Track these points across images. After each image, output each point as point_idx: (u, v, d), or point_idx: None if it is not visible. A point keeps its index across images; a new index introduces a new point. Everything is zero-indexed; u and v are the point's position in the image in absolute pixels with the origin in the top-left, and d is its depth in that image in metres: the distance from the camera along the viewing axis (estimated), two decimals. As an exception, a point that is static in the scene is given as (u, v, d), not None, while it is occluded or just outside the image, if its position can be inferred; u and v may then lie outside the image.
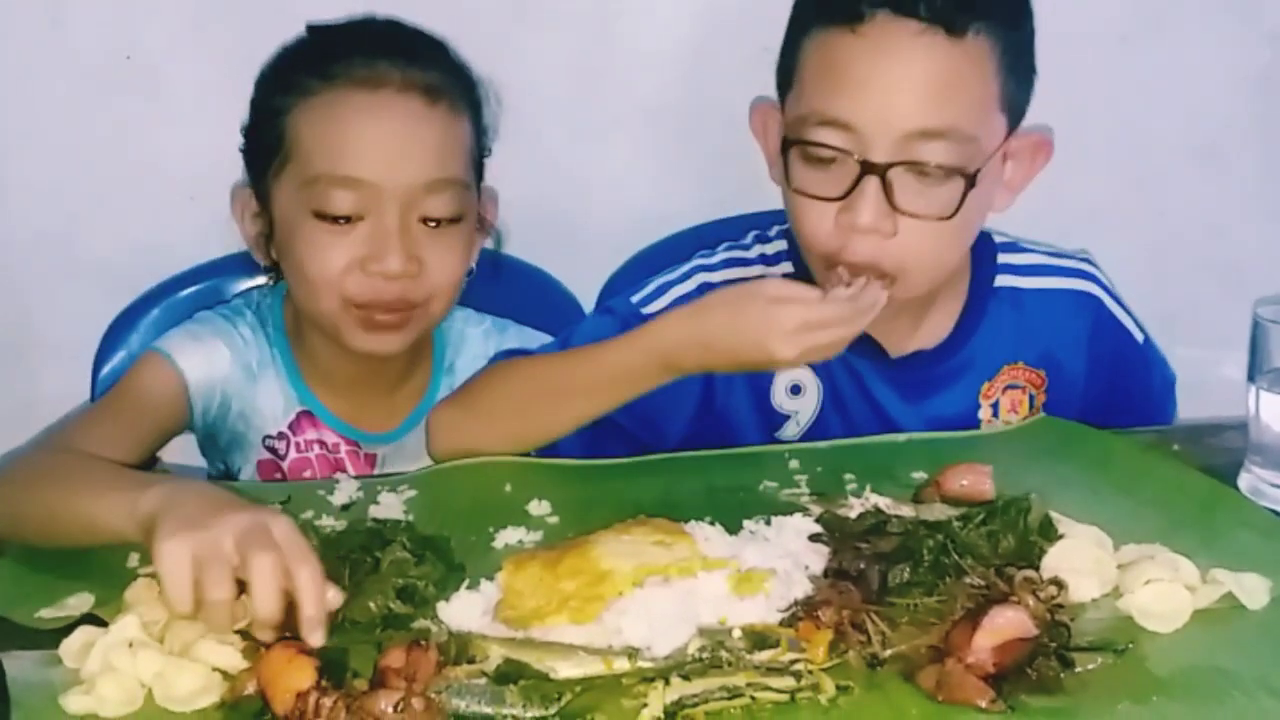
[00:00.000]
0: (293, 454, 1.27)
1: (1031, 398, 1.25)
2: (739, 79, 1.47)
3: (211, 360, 1.24)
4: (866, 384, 1.23)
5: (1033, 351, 1.25)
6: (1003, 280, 1.26)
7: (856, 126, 1.08)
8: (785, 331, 1.02)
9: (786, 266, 1.25)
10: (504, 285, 1.38)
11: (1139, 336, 1.30)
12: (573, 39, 1.45)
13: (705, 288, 1.22)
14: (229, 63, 1.40)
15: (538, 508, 1.04)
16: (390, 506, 1.04)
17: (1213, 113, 1.57)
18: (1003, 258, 1.27)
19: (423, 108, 1.18)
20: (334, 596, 0.85)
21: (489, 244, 1.33)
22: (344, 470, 1.27)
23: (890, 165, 1.08)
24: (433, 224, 1.19)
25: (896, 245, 1.10)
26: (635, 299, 1.24)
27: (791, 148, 1.12)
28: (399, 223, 1.16)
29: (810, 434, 1.24)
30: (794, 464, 1.11)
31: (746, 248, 1.28)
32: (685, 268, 1.26)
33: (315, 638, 0.82)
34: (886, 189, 1.08)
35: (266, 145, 1.21)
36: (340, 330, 1.20)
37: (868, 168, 1.08)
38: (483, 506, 1.04)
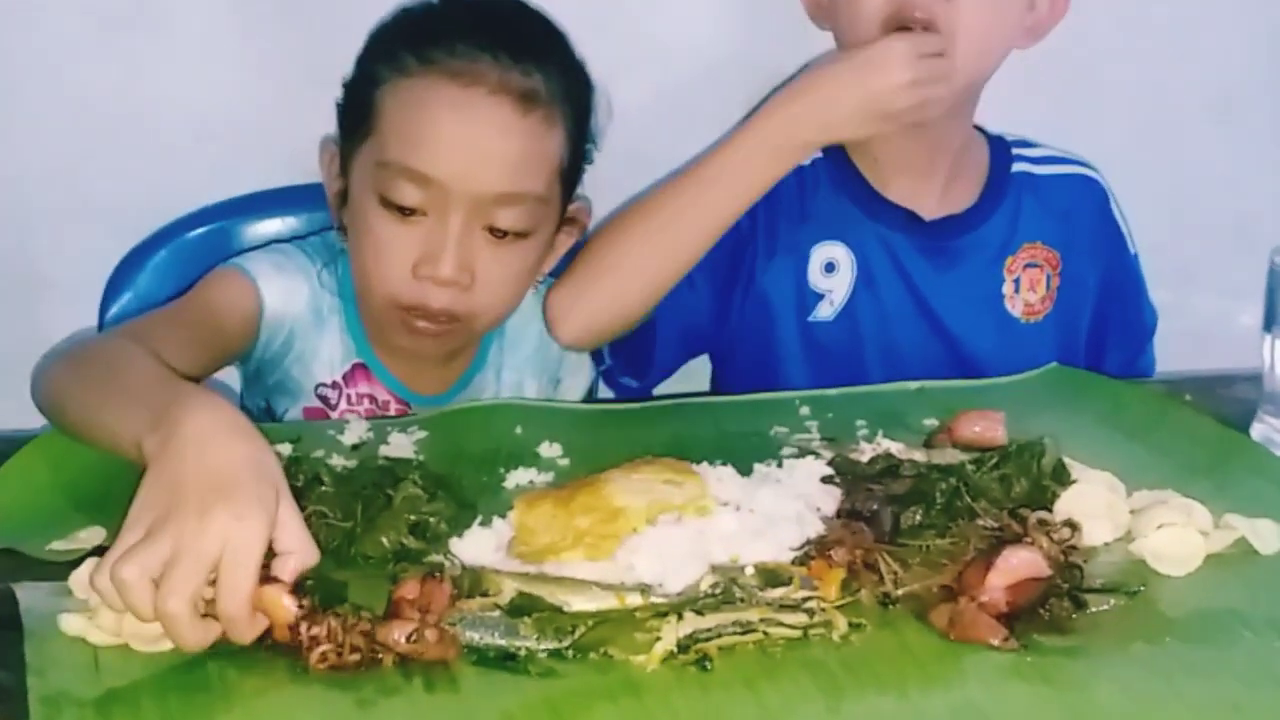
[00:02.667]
0: (343, 405, 1.24)
1: (1049, 277, 1.33)
2: (753, 22, 1.47)
3: (291, 294, 1.21)
4: (899, 256, 1.30)
5: (1049, 231, 1.34)
6: (1018, 167, 1.35)
7: None
8: (897, 83, 1.13)
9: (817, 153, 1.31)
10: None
11: (1131, 249, 1.37)
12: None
13: None
14: (238, 1, 1.39)
15: (548, 450, 1.03)
16: (401, 446, 1.03)
17: (1229, 65, 1.56)
18: (1016, 150, 1.36)
19: (513, 116, 1.12)
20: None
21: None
22: None
23: None
24: (499, 234, 1.14)
25: (954, 8, 1.17)
26: None
27: None
28: (461, 228, 1.12)
29: (842, 315, 1.29)
30: (805, 410, 1.11)
31: None
32: None
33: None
34: None
35: (356, 111, 1.16)
36: (381, 322, 1.19)
37: None
38: (493, 448, 1.03)
